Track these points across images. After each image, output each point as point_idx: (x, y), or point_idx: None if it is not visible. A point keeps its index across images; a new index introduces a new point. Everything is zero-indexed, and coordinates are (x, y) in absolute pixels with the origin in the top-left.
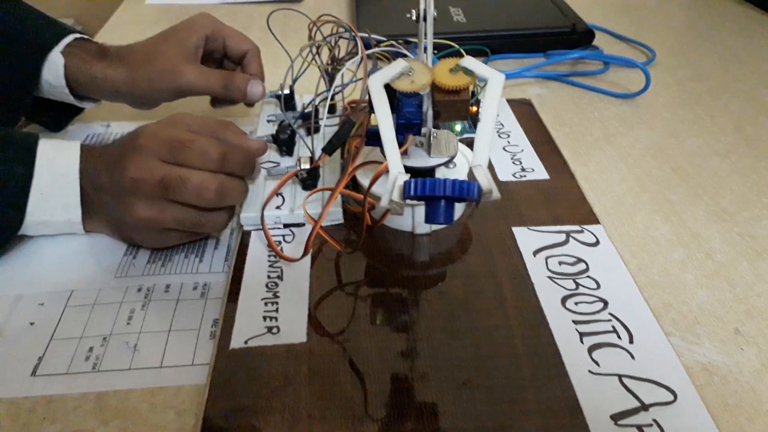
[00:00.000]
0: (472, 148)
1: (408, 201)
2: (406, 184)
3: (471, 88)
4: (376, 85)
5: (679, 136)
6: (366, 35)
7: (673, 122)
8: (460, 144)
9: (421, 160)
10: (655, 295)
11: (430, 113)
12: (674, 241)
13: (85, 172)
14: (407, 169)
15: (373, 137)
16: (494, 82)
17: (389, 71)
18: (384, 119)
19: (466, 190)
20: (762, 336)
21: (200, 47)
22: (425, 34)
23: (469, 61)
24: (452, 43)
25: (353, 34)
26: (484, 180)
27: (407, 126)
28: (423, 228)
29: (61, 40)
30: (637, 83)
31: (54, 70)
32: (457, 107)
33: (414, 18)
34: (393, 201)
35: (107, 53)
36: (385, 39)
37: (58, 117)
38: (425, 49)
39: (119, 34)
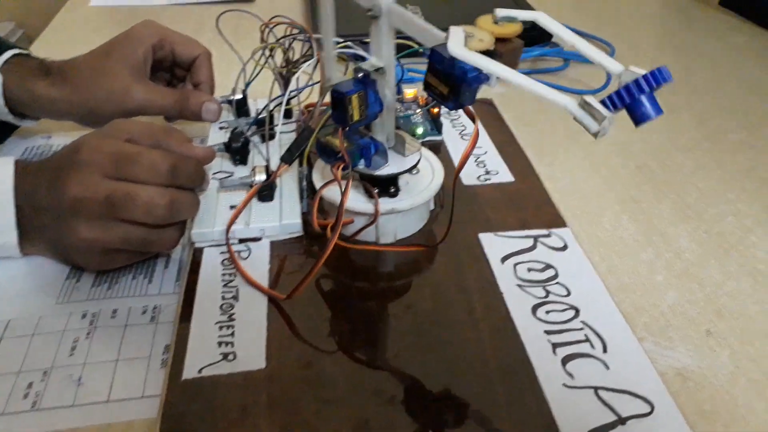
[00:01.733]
0: (436, 151)
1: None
2: (605, 102)
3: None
4: (461, 51)
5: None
6: (321, 36)
7: None
8: (425, 150)
9: (382, 168)
10: (627, 299)
11: (390, 100)
12: (642, 241)
13: (20, 191)
14: (365, 177)
15: (325, 151)
16: (539, 17)
17: (459, 38)
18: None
19: (660, 76)
20: (733, 336)
21: (148, 60)
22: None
23: (504, 11)
24: (411, 43)
25: (308, 35)
26: None
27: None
28: (387, 237)
29: None
30: (598, 79)
31: None
32: (515, 53)
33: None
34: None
35: (50, 70)
36: (341, 40)
37: None
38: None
39: (62, 37)
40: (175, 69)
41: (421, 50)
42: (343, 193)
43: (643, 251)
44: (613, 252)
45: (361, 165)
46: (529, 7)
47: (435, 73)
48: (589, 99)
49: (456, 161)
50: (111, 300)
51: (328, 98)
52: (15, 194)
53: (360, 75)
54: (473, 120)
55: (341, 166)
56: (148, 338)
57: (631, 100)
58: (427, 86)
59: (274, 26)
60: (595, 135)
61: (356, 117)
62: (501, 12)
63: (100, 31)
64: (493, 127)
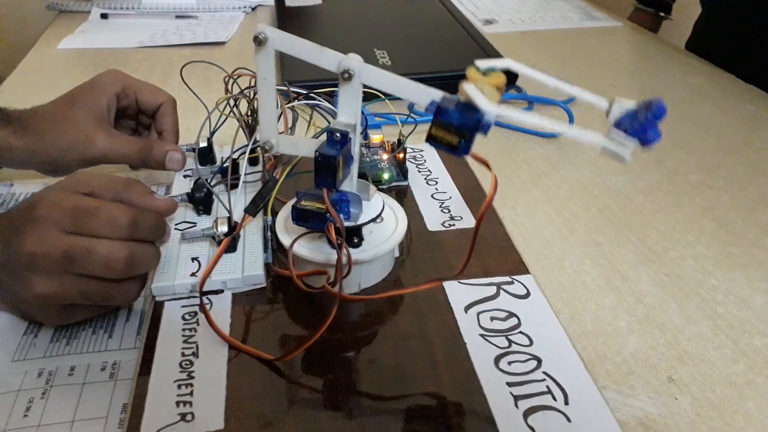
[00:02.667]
0: (400, 199)
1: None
2: (627, 132)
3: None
4: (499, 109)
5: (603, 175)
6: (284, 88)
7: (597, 160)
8: (384, 195)
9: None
10: (589, 346)
11: (356, 152)
12: (604, 286)
13: None
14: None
15: (306, 217)
16: (511, 64)
17: (480, 96)
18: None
19: (662, 108)
20: (695, 383)
21: (112, 108)
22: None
23: (486, 62)
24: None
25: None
26: None
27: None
28: (351, 287)
29: None
30: (562, 121)
31: None
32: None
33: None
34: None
35: (10, 119)
36: (304, 92)
37: None
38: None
39: (30, 81)
40: (140, 117)
41: (384, 98)
42: (339, 253)
43: (605, 296)
44: (575, 297)
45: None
46: (497, 55)
47: (443, 126)
48: (616, 133)
49: (422, 207)
50: (69, 356)
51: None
52: None
53: (337, 135)
54: (488, 167)
55: (333, 228)
56: (106, 397)
57: (647, 128)
58: (432, 139)
59: (238, 77)
60: (625, 161)
61: (340, 176)
62: (484, 63)
63: (68, 75)
64: (457, 171)
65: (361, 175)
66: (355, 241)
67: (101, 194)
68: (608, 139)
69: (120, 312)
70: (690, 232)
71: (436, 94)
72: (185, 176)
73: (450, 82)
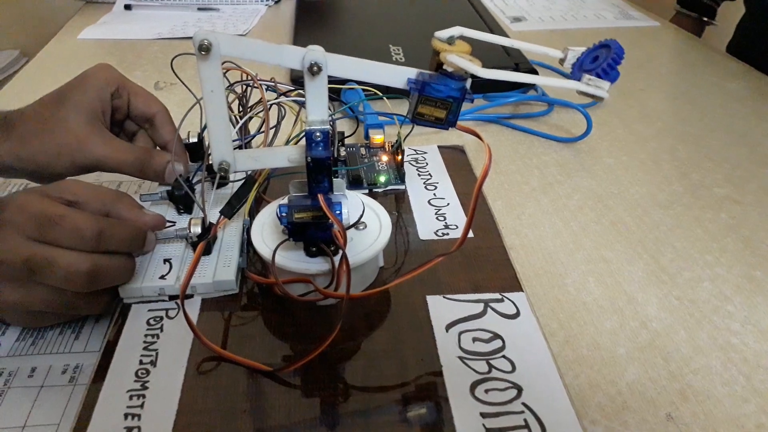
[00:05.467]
0: (397, 202)
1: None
2: (599, 75)
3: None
4: (495, 73)
5: (620, 185)
6: (272, 83)
7: (615, 169)
8: (366, 198)
9: None
10: (582, 374)
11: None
12: (607, 308)
13: None
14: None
15: (304, 230)
16: (464, 30)
17: (470, 64)
18: None
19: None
20: (696, 423)
21: (107, 108)
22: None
23: (446, 32)
24: (375, 90)
25: (257, 82)
26: None
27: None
28: (329, 300)
29: None
30: (581, 126)
31: None
32: None
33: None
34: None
35: None
36: (293, 88)
37: None
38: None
39: (44, 70)
40: (126, 123)
41: (382, 96)
42: (341, 261)
43: (607, 319)
44: (573, 319)
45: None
46: (517, 54)
47: (429, 101)
48: (589, 77)
49: (417, 213)
50: (32, 357)
51: None
52: None
53: (318, 135)
54: (479, 137)
55: (342, 233)
56: (62, 402)
57: (610, 69)
58: (419, 116)
59: (226, 72)
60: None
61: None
62: (442, 34)
63: (84, 65)
64: (460, 176)
65: (357, 178)
66: (332, 248)
67: (87, 205)
68: (584, 84)
69: None
70: (710, 252)
71: (411, 72)
72: None
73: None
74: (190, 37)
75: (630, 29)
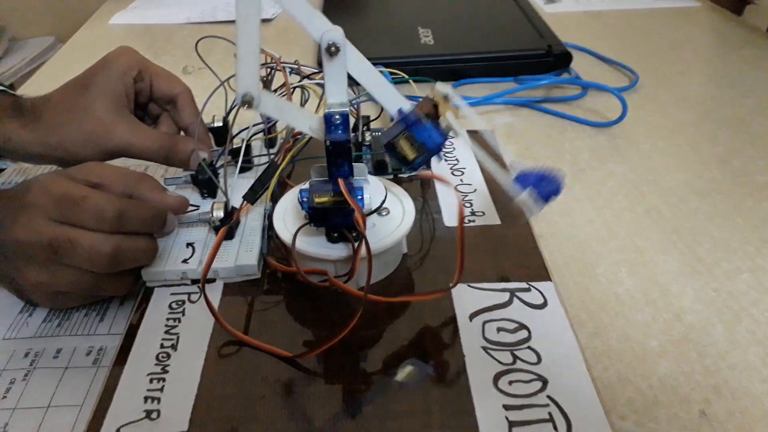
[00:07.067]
0: (422, 187)
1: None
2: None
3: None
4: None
5: (656, 171)
6: (295, 65)
7: (651, 154)
8: (390, 183)
9: None
10: (611, 366)
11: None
12: (640, 299)
13: None
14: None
15: (325, 216)
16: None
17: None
18: None
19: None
20: (732, 420)
21: (130, 93)
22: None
23: (443, 87)
24: (400, 72)
25: (281, 64)
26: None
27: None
28: (351, 284)
29: None
30: (617, 110)
31: None
32: None
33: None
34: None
35: (23, 110)
36: (316, 70)
37: None
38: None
39: (75, 55)
40: (149, 105)
41: (409, 79)
42: (360, 247)
43: (639, 310)
44: (603, 310)
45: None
46: (551, 36)
47: (411, 140)
48: (531, 192)
49: (442, 199)
50: (58, 338)
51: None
52: None
53: (337, 118)
54: (444, 181)
55: (362, 220)
56: (85, 383)
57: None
58: (392, 146)
59: None
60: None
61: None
62: (443, 89)
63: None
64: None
65: (381, 162)
66: (353, 234)
67: (111, 187)
68: (526, 194)
69: None
70: (750, 242)
71: (406, 104)
72: None
73: (494, 63)
74: (219, 21)
75: (668, 10)
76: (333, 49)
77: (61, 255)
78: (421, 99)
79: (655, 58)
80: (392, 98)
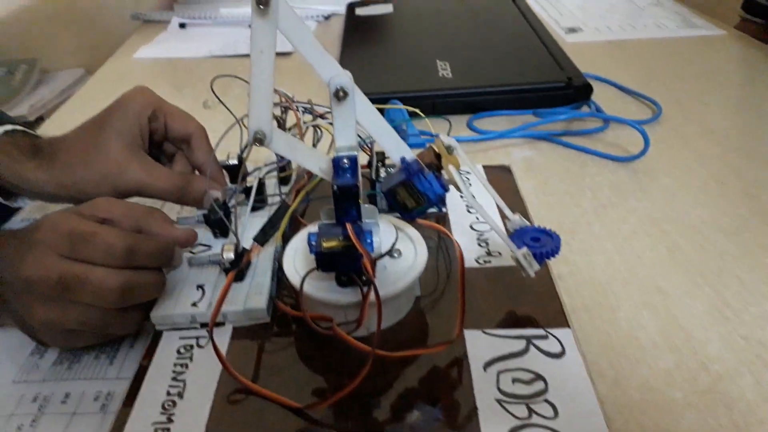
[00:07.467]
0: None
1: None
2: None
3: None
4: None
5: (680, 208)
6: (308, 105)
7: (674, 190)
8: (401, 223)
9: None
10: (632, 420)
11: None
12: (663, 345)
13: None
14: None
15: (332, 261)
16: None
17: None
18: None
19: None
20: None
21: (145, 133)
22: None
23: (446, 139)
24: (418, 111)
25: (293, 104)
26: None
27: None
28: (360, 330)
29: None
30: (638, 144)
31: None
32: None
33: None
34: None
35: (40, 150)
36: (329, 109)
37: None
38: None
39: (101, 88)
40: (164, 144)
41: (424, 117)
42: (368, 293)
43: (662, 358)
44: (624, 357)
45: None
46: (571, 68)
47: (411, 189)
48: (527, 251)
49: (458, 238)
50: (67, 382)
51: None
52: None
53: (345, 162)
54: (447, 234)
55: (371, 265)
56: (92, 431)
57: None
58: (392, 193)
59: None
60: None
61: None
62: (446, 141)
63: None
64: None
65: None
66: (363, 278)
67: (120, 222)
68: (521, 254)
69: (126, 337)
70: None
71: (409, 153)
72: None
73: (513, 96)
74: (241, 55)
75: (693, 39)
76: (341, 93)
77: (71, 291)
78: (423, 150)
79: (679, 89)
80: (396, 146)
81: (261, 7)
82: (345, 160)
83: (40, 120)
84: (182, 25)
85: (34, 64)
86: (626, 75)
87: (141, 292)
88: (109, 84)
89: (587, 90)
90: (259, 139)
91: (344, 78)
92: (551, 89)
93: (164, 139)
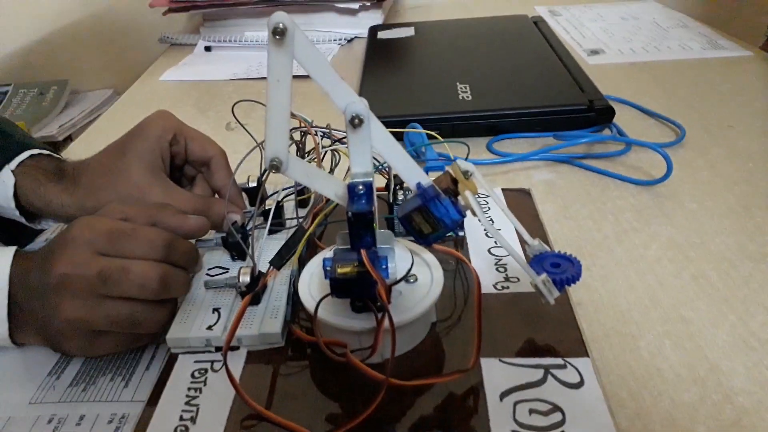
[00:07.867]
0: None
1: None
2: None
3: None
4: (484, 218)
5: (704, 234)
6: (327, 130)
7: (698, 215)
8: (418, 248)
9: None
10: None
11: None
12: (686, 377)
13: (14, 277)
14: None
15: (346, 287)
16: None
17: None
18: None
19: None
20: None
21: (166, 156)
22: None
23: (463, 164)
24: (436, 134)
25: (312, 129)
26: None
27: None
28: (374, 357)
29: (15, 157)
30: (661, 167)
31: (2, 190)
32: None
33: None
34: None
35: (64, 174)
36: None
37: (14, 236)
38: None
39: (128, 111)
40: (185, 167)
41: (443, 141)
42: (383, 321)
43: (685, 390)
44: (646, 388)
45: None
46: (593, 90)
47: (427, 214)
48: (547, 278)
49: (476, 262)
50: (82, 404)
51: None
52: (10, 281)
53: (360, 188)
54: (464, 260)
55: (386, 291)
56: None
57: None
58: (409, 220)
59: None
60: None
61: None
62: (464, 166)
63: (164, 105)
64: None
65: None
66: (378, 305)
67: (136, 220)
68: (540, 280)
69: (141, 359)
70: None
71: (425, 179)
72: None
73: (533, 119)
74: (265, 78)
75: (718, 60)
76: (357, 121)
77: (111, 284)
78: (439, 175)
79: (703, 111)
80: (412, 172)
81: (277, 37)
82: (360, 187)
83: (68, 140)
84: (208, 48)
85: (65, 85)
86: (649, 97)
87: (175, 286)
88: (136, 105)
89: (609, 113)
90: (275, 166)
91: (359, 105)
92: (572, 112)
93: (185, 162)
